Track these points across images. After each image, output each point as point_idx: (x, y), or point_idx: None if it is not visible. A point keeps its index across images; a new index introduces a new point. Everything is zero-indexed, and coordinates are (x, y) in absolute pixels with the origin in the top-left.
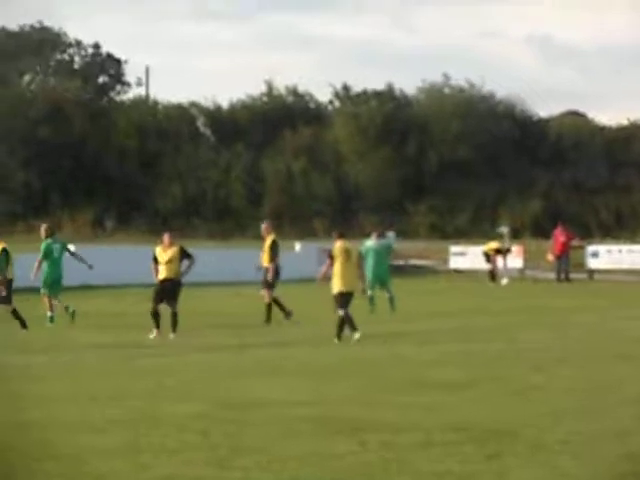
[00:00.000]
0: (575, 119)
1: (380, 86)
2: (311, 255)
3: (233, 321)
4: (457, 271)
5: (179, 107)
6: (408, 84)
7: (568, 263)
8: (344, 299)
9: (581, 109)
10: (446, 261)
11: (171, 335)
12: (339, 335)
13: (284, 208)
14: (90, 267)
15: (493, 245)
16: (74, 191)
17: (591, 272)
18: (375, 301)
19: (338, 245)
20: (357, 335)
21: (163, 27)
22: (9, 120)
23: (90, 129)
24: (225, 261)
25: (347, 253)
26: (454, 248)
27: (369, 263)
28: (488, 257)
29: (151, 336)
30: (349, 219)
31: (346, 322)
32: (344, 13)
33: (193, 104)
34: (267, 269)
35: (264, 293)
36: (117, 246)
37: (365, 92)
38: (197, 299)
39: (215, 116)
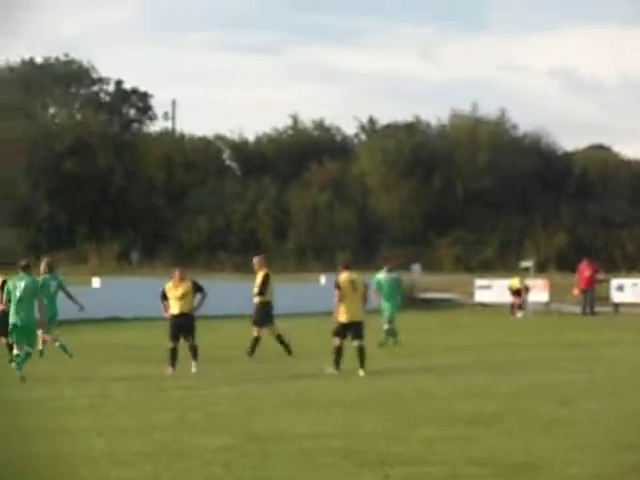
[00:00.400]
0: (600, 153)
1: (406, 119)
2: None
3: (259, 354)
4: (482, 304)
5: (205, 140)
6: (434, 117)
7: (593, 297)
8: (348, 329)
9: (606, 142)
10: (471, 294)
11: (193, 368)
12: (337, 364)
13: (309, 241)
14: (81, 309)
15: (514, 285)
16: (100, 224)
17: (616, 305)
18: (395, 332)
19: (344, 276)
20: (330, 370)
21: (189, 59)
22: (35, 153)
23: (116, 162)
24: (250, 294)
25: (353, 284)
26: (479, 281)
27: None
28: (512, 291)
29: (167, 372)
30: (373, 252)
31: (335, 353)
32: (371, 46)
33: (219, 137)
34: (261, 303)
35: (255, 328)
36: (143, 279)
37: (391, 125)
38: (222, 332)
39: (241, 149)
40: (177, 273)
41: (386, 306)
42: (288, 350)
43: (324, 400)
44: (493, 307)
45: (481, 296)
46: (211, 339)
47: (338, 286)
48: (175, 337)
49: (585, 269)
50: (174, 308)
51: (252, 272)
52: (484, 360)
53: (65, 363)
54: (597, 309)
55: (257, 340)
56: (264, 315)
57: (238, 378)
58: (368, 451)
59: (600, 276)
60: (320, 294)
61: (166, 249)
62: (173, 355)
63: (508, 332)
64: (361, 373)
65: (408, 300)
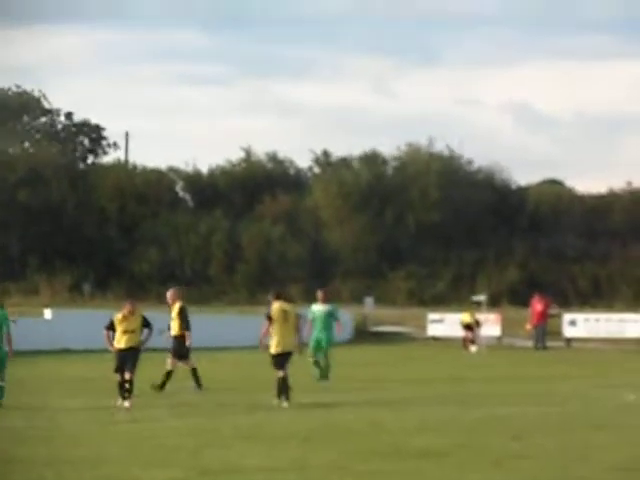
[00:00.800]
0: (553, 187)
1: (363, 151)
2: None
3: (211, 386)
4: (435, 338)
5: (158, 172)
6: (388, 150)
7: (545, 331)
8: (282, 360)
9: (559, 177)
10: (424, 328)
11: (126, 403)
12: (280, 395)
13: (260, 274)
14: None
15: (465, 319)
16: (52, 255)
17: (569, 340)
18: (321, 365)
19: (276, 306)
20: (285, 404)
21: (143, 91)
22: None
23: (69, 192)
24: (202, 327)
25: (285, 314)
26: (432, 315)
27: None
28: (463, 326)
29: (120, 404)
30: (325, 284)
31: (281, 384)
32: (325, 79)
33: (172, 169)
34: (176, 337)
35: (170, 361)
36: (95, 311)
37: (346, 158)
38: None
39: (194, 181)
40: (128, 306)
41: (321, 337)
42: (199, 384)
43: (276, 433)
44: (446, 341)
45: (434, 330)
46: (159, 372)
47: (269, 316)
48: (122, 370)
49: (537, 303)
50: (122, 341)
51: (204, 303)
52: (437, 394)
53: (16, 393)
54: (549, 344)
55: (170, 374)
56: (182, 348)
57: (188, 410)
58: None
59: (553, 310)
60: None
61: (118, 281)
62: (123, 388)
63: (461, 366)
64: (284, 404)
65: (360, 333)
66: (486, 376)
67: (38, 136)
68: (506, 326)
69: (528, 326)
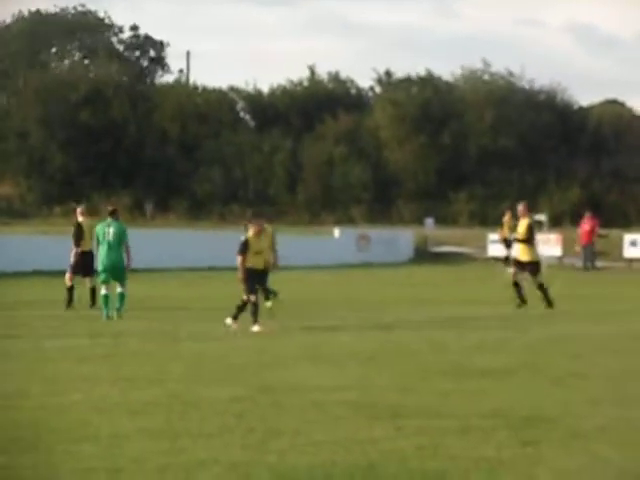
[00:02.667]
0: (615, 107)
1: (421, 73)
2: (350, 241)
3: (274, 305)
4: (496, 259)
5: (219, 92)
6: (448, 71)
7: (593, 251)
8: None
9: (621, 98)
10: (484, 249)
11: (256, 327)
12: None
13: (321, 195)
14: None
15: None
16: (113, 175)
17: (630, 261)
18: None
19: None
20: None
21: (205, 10)
22: (49, 104)
23: (130, 113)
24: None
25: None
26: (492, 236)
27: None
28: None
29: (231, 323)
30: (387, 206)
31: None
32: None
33: (232, 89)
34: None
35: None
36: (158, 230)
37: (406, 79)
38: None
39: (255, 101)
40: (256, 226)
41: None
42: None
43: (338, 353)
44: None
45: (494, 250)
46: (231, 291)
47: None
48: (255, 291)
49: (585, 224)
50: (253, 262)
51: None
52: (497, 314)
53: (80, 313)
54: (610, 264)
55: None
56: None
57: (249, 327)
58: (381, 404)
59: (602, 232)
60: (333, 247)
61: (179, 201)
62: (241, 309)
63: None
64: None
65: (420, 254)
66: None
67: (99, 55)
68: (568, 246)
69: (577, 247)
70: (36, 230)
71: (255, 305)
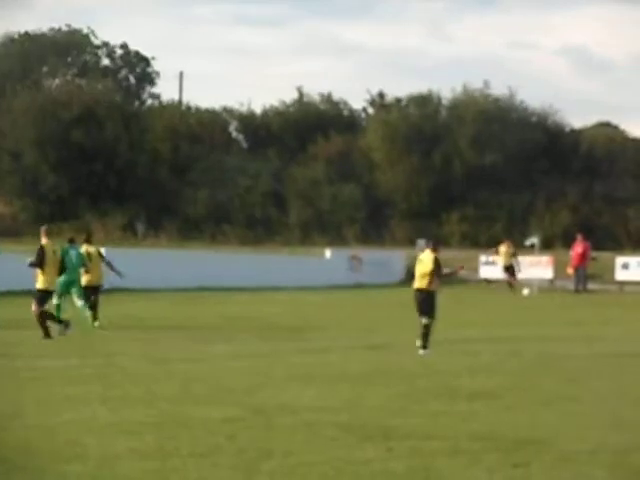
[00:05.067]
0: (607, 130)
1: (414, 94)
2: (341, 262)
3: (265, 326)
4: (488, 281)
5: (212, 112)
6: (441, 93)
7: (585, 274)
8: None
9: (613, 121)
10: (476, 270)
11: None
12: None
13: (312, 216)
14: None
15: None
16: (105, 195)
17: (621, 284)
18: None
19: None
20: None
21: (198, 32)
22: (41, 123)
23: (123, 132)
24: (255, 267)
25: None
26: (484, 257)
27: None
28: (506, 268)
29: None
30: (380, 227)
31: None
32: (380, 20)
33: (226, 109)
34: None
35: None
36: (148, 250)
37: (399, 100)
38: (229, 304)
39: (248, 121)
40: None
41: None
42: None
43: (330, 374)
44: (498, 283)
45: (486, 272)
46: (218, 311)
47: None
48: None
49: (577, 246)
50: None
51: (256, 245)
52: (489, 337)
53: (71, 334)
54: (601, 287)
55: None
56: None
57: (243, 351)
58: (372, 425)
59: (591, 254)
60: (325, 268)
61: (171, 221)
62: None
63: (511, 308)
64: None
65: (412, 275)
66: (537, 319)
67: (89, 73)
68: (559, 269)
69: (569, 270)
70: (28, 249)
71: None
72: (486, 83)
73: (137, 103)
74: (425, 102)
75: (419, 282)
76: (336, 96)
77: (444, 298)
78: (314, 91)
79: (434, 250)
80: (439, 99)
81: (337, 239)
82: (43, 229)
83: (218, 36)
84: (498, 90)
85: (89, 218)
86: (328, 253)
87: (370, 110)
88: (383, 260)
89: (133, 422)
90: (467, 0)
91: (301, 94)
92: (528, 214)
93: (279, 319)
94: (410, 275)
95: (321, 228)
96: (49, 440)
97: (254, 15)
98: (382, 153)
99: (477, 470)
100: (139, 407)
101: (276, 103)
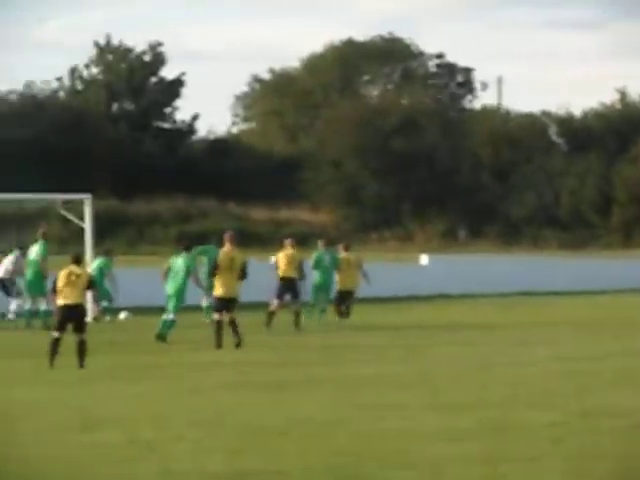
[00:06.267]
0: None
1: None
2: None
3: (590, 330)
4: None
5: (531, 116)
6: None
7: None
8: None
9: None
10: None
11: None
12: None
13: (634, 217)
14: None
15: None
16: (426, 201)
17: None
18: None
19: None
20: None
21: (516, 37)
22: (362, 132)
23: (442, 139)
24: (576, 271)
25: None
26: None
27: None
28: None
29: None
30: None
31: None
32: None
33: (545, 113)
34: None
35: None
36: (470, 256)
37: None
38: (551, 307)
39: (567, 125)
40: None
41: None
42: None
43: None
44: None
45: None
46: (539, 316)
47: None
48: None
49: None
50: None
51: (577, 249)
52: None
53: (395, 337)
54: None
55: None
56: None
57: (569, 355)
58: None
59: None
60: None
61: (491, 226)
62: None
63: None
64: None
65: None
66: None
67: (409, 82)
68: None
69: None
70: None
71: None
72: None
73: (457, 110)
74: None
75: None
76: None
77: None
78: (634, 92)
79: None
80: None
81: None
82: (227, 235)
83: (534, 39)
84: None
85: (411, 225)
86: None
87: None
88: None
89: (459, 428)
90: None
91: (623, 95)
92: None
93: (605, 322)
94: None
95: None
96: (377, 446)
97: (570, 19)
98: None
99: None
100: (466, 413)
101: (595, 105)
